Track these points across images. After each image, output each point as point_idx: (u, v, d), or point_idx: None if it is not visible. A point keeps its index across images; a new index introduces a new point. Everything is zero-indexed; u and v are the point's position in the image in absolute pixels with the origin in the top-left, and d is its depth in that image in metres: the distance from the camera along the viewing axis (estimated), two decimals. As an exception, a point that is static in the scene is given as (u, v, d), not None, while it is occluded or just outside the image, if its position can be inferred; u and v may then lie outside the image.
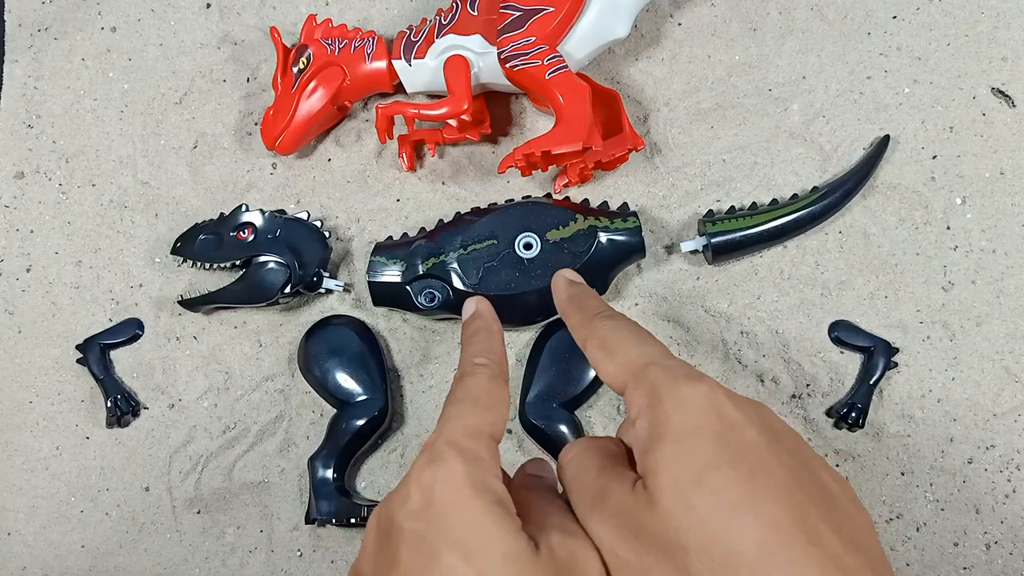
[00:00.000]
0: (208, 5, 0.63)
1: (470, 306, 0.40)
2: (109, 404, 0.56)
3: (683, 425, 0.27)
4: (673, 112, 0.58)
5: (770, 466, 0.26)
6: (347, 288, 0.57)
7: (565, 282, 0.39)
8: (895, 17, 0.59)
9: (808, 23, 0.59)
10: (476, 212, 0.55)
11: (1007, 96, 0.57)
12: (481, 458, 0.30)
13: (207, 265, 0.55)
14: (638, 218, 0.54)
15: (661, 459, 0.27)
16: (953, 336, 0.54)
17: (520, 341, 0.56)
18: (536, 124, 0.59)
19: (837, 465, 0.53)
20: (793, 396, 0.54)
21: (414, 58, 0.55)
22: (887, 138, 0.56)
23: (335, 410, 0.54)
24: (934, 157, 0.56)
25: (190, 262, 0.56)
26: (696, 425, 0.27)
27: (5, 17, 0.64)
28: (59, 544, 0.55)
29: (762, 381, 0.54)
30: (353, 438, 0.52)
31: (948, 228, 0.55)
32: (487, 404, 0.32)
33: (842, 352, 0.54)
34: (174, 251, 0.56)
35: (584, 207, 0.55)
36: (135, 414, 0.56)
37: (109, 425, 0.56)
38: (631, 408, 0.29)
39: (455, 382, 0.34)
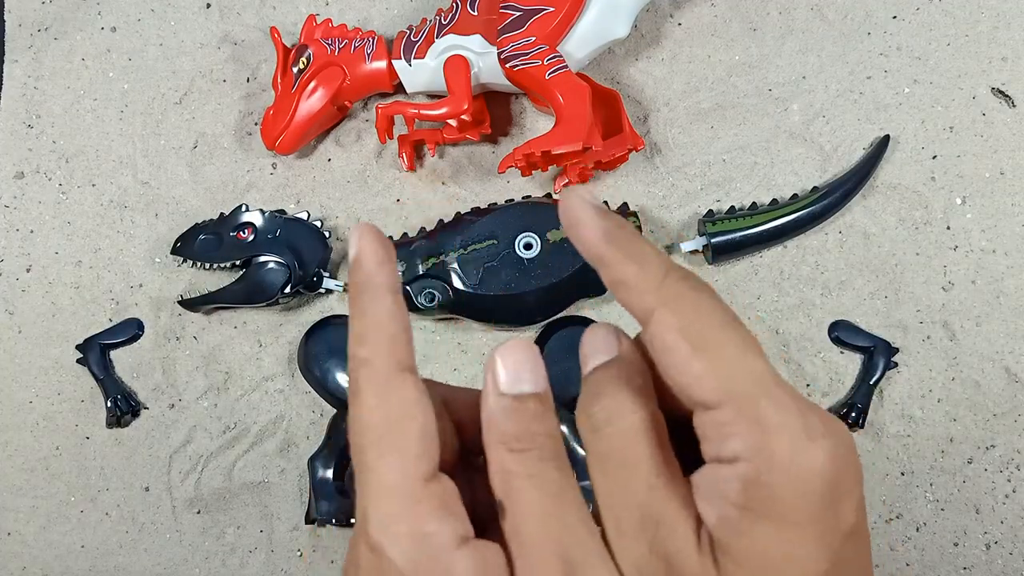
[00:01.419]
0: (208, 5, 0.63)
1: (351, 245, 0.26)
2: (109, 404, 0.56)
3: (790, 510, 0.21)
4: (673, 112, 0.58)
5: None
6: (347, 288, 0.57)
7: (591, 210, 0.24)
8: (895, 17, 0.59)
9: (808, 23, 0.59)
10: (476, 212, 0.55)
11: (1007, 96, 0.57)
12: (427, 536, 0.22)
13: (207, 265, 0.55)
14: (638, 218, 0.54)
15: (751, 548, 0.21)
16: (953, 336, 0.54)
17: (520, 341, 0.56)
18: (536, 124, 0.59)
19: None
20: (793, 396, 0.54)
21: (414, 58, 0.55)
22: (887, 138, 0.56)
23: (335, 410, 0.54)
24: (934, 157, 0.56)
25: (190, 262, 0.56)
26: (804, 515, 0.21)
27: (5, 17, 0.64)
28: (59, 544, 0.55)
29: (762, 381, 0.54)
30: (353, 438, 0.52)
31: (948, 228, 0.55)
32: (397, 433, 0.23)
33: (842, 352, 0.54)
34: (174, 251, 0.56)
35: (584, 207, 0.54)
36: (135, 414, 0.56)
37: (109, 425, 0.56)
38: (726, 443, 0.22)
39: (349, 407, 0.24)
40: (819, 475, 0.21)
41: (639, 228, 0.53)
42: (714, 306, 0.23)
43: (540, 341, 0.54)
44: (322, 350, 0.54)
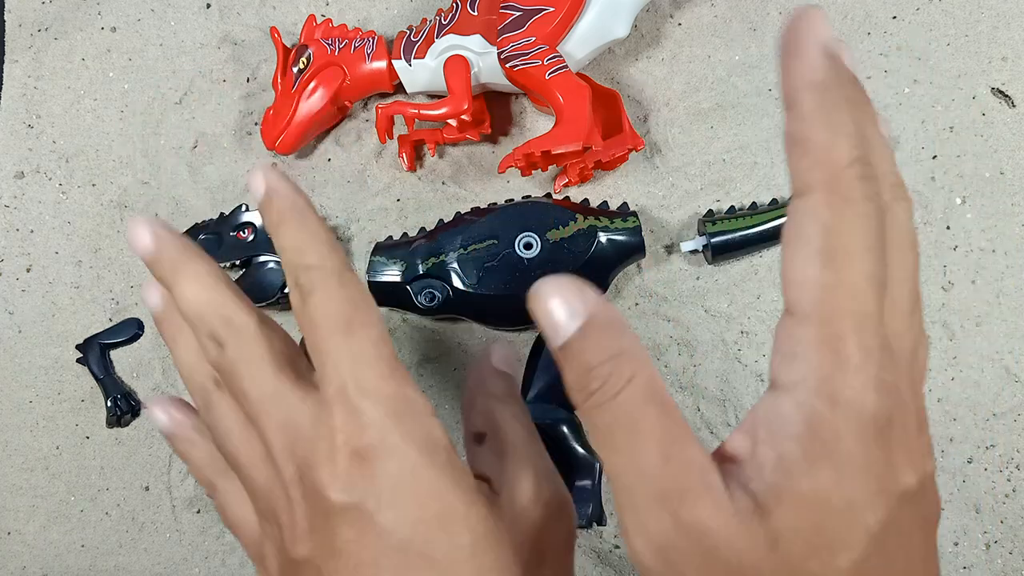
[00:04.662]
0: (208, 5, 0.63)
1: (257, 182, 0.27)
2: (109, 404, 0.56)
3: (849, 453, 0.20)
4: (673, 112, 0.58)
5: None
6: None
7: (825, 45, 0.20)
8: (895, 17, 0.59)
9: (808, 23, 0.59)
10: (476, 212, 0.55)
11: (1007, 96, 0.57)
12: (409, 399, 0.23)
13: (207, 265, 0.55)
14: (638, 218, 0.54)
15: (811, 492, 0.20)
16: (953, 336, 0.54)
17: (520, 341, 0.56)
18: (536, 124, 0.59)
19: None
20: (793, 396, 0.54)
21: (414, 58, 0.55)
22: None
23: (335, 410, 0.54)
24: (934, 157, 0.56)
25: (190, 262, 0.56)
26: (861, 459, 0.20)
27: (5, 17, 0.64)
28: (59, 544, 0.55)
29: (762, 380, 0.54)
30: (353, 438, 0.52)
31: (948, 228, 0.55)
32: (363, 312, 0.24)
33: (842, 352, 0.54)
34: (174, 251, 0.56)
35: (584, 207, 0.55)
36: (135, 414, 0.56)
37: (109, 425, 0.56)
38: (794, 362, 0.20)
39: (300, 307, 0.25)
40: (873, 420, 0.20)
41: (639, 227, 0.53)
42: (869, 228, 0.20)
43: (540, 341, 0.54)
44: (322, 350, 0.54)
